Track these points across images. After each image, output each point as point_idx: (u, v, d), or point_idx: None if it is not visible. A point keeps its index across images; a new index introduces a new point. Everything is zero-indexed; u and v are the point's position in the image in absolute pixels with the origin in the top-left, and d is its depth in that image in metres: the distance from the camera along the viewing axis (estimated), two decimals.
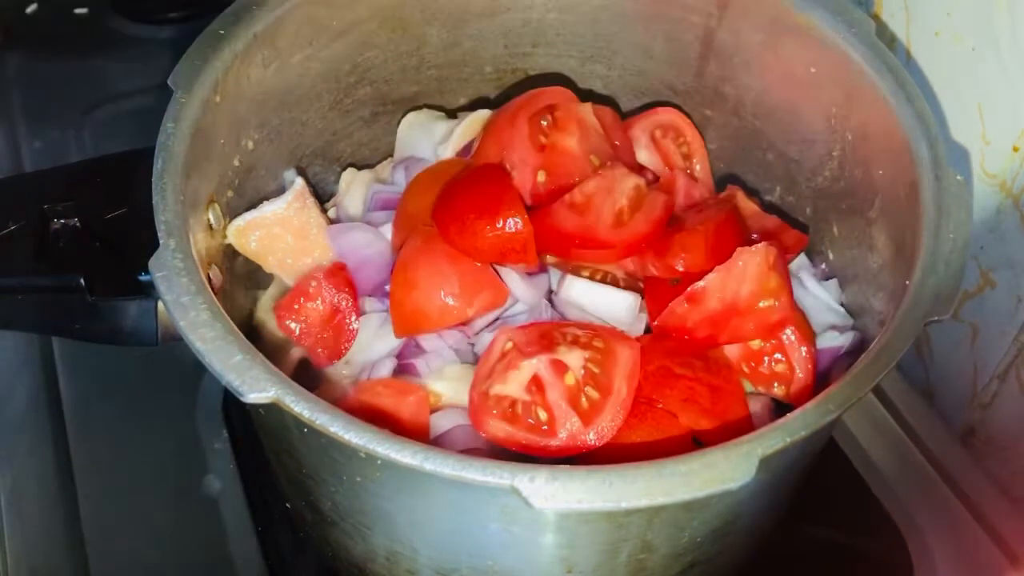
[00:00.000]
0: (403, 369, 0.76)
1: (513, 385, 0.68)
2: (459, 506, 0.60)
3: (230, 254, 0.77)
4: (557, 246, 0.77)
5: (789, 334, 0.74)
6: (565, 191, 0.78)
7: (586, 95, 0.94)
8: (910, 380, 0.97)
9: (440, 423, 0.72)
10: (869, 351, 0.61)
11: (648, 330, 0.77)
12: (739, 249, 0.72)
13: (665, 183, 0.85)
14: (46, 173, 0.85)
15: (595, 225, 0.77)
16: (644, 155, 0.89)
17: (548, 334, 0.71)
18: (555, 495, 0.52)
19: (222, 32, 0.73)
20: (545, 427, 0.66)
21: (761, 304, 0.72)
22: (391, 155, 0.93)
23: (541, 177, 0.80)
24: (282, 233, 0.78)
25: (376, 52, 0.87)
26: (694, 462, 0.54)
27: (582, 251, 0.77)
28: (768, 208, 0.89)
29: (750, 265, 0.72)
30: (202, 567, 0.84)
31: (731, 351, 0.75)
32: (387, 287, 0.79)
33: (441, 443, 0.71)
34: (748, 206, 0.85)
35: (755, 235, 0.82)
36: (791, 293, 0.74)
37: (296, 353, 0.78)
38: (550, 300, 0.79)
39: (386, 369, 0.76)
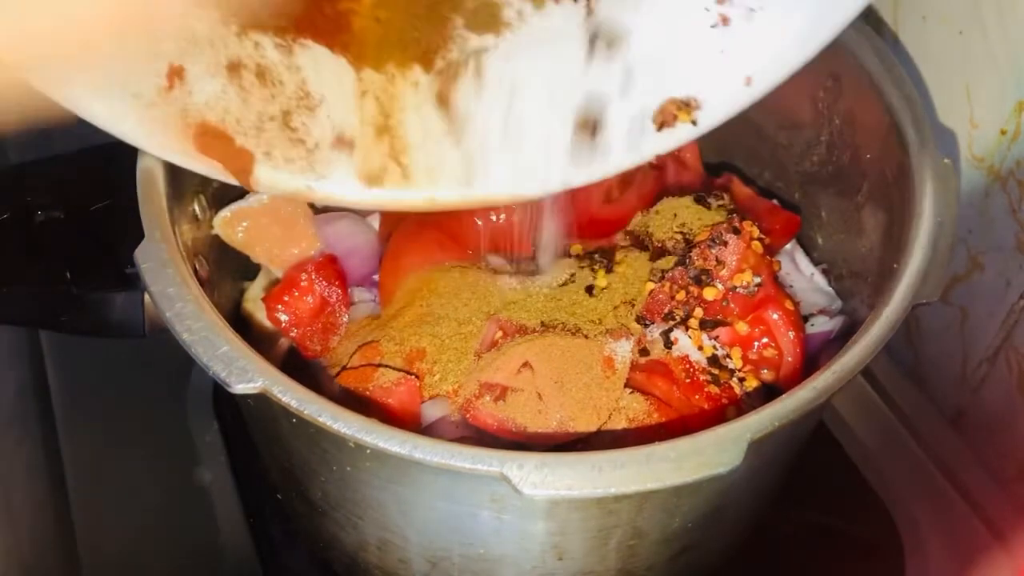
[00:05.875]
0: None
1: (503, 373, 0.68)
2: (449, 494, 0.60)
3: (216, 244, 0.76)
4: None
5: (776, 318, 0.74)
6: None
7: None
8: (899, 363, 0.98)
9: (430, 412, 0.72)
10: (858, 334, 0.61)
11: None
12: (714, 226, 0.72)
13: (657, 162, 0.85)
14: (30, 165, 0.84)
15: (586, 203, 0.77)
16: None
17: None
18: (544, 482, 0.52)
19: None
20: (535, 414, 0.66)
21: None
22: None
23: None
24: (269, 223, 0.77)
25: None
26: (683, 447, 0.54)
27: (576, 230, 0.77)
28: (758, 193, 0.89)
29: (729, 242, 0.72)
30: (193, 559, 0.83)
31: None
32: (375, 276, 0.78)
33: (432, 432, 0.71)
34: (743, 191, 0.85)
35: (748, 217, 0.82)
36: (772, 270, 0.74)
37: (284, 344, 0.78)
38: None
39: None
